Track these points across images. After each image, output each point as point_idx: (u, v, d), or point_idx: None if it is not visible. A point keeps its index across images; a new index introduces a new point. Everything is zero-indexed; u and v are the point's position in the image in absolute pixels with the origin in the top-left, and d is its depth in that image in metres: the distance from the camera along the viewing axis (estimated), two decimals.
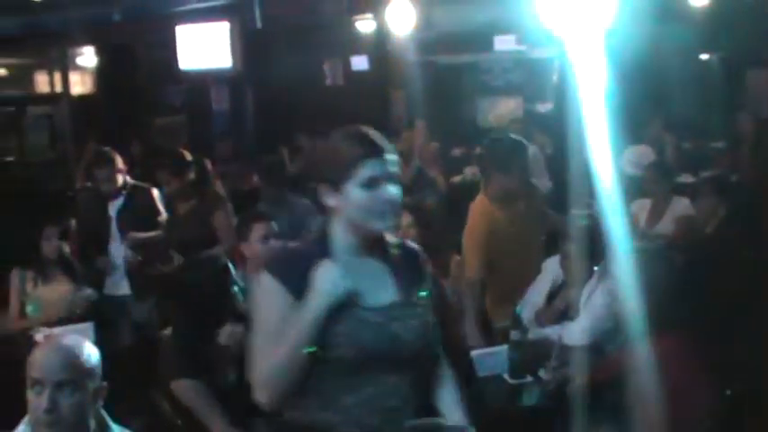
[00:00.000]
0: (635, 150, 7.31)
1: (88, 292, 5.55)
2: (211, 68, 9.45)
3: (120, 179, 5.99)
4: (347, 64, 11.68)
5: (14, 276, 5.53)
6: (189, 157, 6.19)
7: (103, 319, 5.43)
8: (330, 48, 11.49)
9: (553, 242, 4.58)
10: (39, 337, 5.10)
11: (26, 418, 2.62)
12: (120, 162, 6.03)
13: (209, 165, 6.88)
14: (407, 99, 10.66)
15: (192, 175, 6.11)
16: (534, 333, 4.32)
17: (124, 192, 6.02)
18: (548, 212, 5.10)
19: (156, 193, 6.17)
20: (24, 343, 5.16)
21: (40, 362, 2.52)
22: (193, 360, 3.64)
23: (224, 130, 9.78)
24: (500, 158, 4.84)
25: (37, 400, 2.48)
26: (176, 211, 6.09)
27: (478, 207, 4.91)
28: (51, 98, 12.35)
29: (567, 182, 3.32)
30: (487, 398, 3.91)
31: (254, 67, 9.65)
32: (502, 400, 3.96)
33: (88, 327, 4.98)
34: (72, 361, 2.52)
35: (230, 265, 3.94)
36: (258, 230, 4.57)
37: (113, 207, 6.01)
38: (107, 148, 6.22)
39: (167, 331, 4.92)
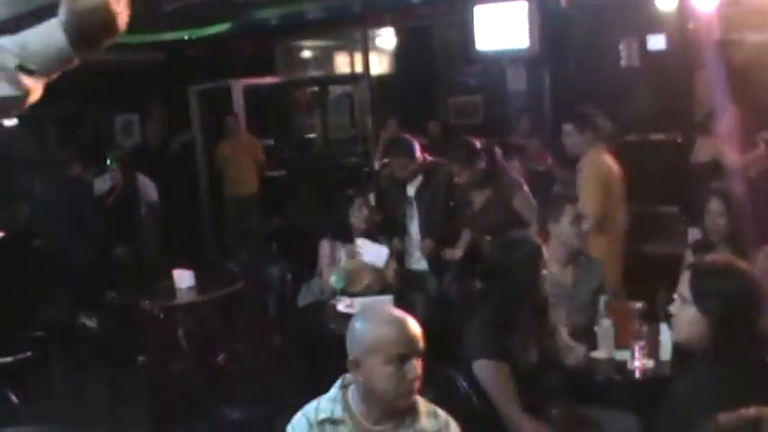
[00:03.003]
0: None
1: (392, 265, 5.76)
2: (508, 49, 9.42)
3: (414, 166, 6.08)
4: (643, 43, 11.26)
5: (323, 246, 5.81)
6: (478, 144, 6.05)
7: (401, 291, 5.64)
8: (626, 26, 11.12)
9: None
10: (341, 306, 5.34)
11: (339, 382, 2.76)
12: (416, 148, 6.10)
13: (498, 151, 6.33)
14: (710, 81, 10.11)
15: (482, 164, 5.98)
16: None
17: (421, 173, 6.12)
18: None
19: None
20: (328, 311, 5.45)
21: (398, 337, 2.65)
22: (500, 341, 3.63)
23: (520, 110, 9.75)
24: None
25: (400, 372, 2.62)
26: (472, 202, 6.06)
27: None
28: (352, 78, 12.84)
29: None
30: None
31: (551, 48, 9.53)
32: None
33: (389, 299, 5.16)
34: (418, 334, 2.68)
35: (542, 247, 3.90)
36: (570, 213, 4.61)
37: (412, 188, 6.13)
38: (404, 137, 6.34)
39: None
